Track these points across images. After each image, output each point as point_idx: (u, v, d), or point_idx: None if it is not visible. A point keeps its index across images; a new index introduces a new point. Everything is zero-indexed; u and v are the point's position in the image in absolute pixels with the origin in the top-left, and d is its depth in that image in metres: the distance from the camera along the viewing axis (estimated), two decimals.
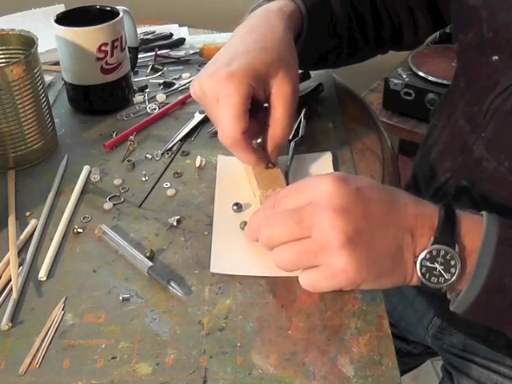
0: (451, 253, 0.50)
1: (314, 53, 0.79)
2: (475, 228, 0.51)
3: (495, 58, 0.63)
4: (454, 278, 0.50)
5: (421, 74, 1.46)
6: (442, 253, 0.50)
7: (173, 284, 0.56)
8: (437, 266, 0.50)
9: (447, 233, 0.50)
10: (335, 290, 0.51)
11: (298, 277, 0.57)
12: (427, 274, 0.51)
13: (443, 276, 0.50)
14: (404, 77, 1.47)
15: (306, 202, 0.51)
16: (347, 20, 0.78)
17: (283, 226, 0.51)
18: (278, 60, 0.64)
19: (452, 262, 0.50)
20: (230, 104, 0.61)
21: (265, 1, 0.74)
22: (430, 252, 0.50)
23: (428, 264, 0.50)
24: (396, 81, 1.47)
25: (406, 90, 1.46)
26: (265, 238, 0.53)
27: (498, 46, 0.62)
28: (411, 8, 0.81)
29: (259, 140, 0.69)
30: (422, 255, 0.50)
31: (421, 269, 0.50)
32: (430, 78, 1.43)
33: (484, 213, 0.52)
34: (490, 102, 0.63)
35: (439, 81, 1.42)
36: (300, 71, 0.71)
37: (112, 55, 0.81)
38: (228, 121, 0.61)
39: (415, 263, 0.51)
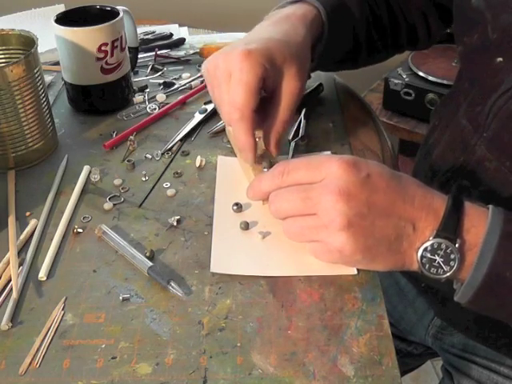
0: (451, 247, 0.51)
1: (334, 55, 0.80)
2: (480, 221, 0.52)
3: (499, 59, 0.63)
4: (452, 270, 0.52)
5: (421, 73, 1.46)
6: (443, 246, 0.51)
7: (173, 284, 0.56)
8: (437, 258, 0.52)
9: (450, 227, 0.51)
10: (335, 263, 0.56)
11: (297, 277, 0.58)
12: (427, 265, 0.52)
13: (442, 268, 0.52)
14: (404, 77, 1.47)
15: (315, 180, 0.54)
16: (366, 23, 0.79)
17: (291, 202, 0.55)
18: (296, 56, 0.66)
19: (452, 256, 0.51)
20: (245, 80, 0.61)
21: (287, 3, 0.75)
22: (432, 245, 0.51)
23: (428, 255, 0.52)
24: (396, 81, 1.47)
25: (405, 90, 1.46)
26: (274, 210, 0.57)
27: (502, 47, 0.63)
28: (422, 10, 0.83)
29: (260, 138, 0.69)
30: (424, 246, 0.52)
31: (421, 259, 0.52)
32: (430, 78, 1.44)
33: (490, 206, 0.53)
34: (493, 102, 0.63)
35: (439, 81, 1.42)
36: None
37: (112, 55, 0.81)
38: (240, 95, 0.62)
39: (416, 252, 0.52)
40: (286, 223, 0.56)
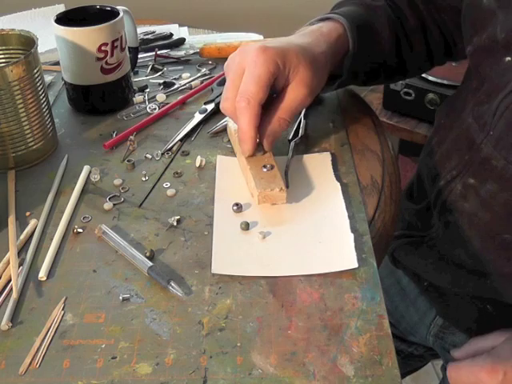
0: None
1: (363, 71, 0.79)
2: None
3: (508, 58, 0.63)
4: None
5: None
6: None
7: (173, 284, 0.56)
8: None
9: None
10: None
11: (297, 277, 0.57)
12: None
13: None
14: None
15: None
16: (395, 42, 0.78)
17: None
18: (310, 63, 0.66)
19: None
20: (257, 73, 0.63)
21: (315, 21, 0.76)
22: None
23: None
24: None
25: (405, 89, 1.46)
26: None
27: (511, 46, 0.63)
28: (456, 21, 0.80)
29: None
30: None
31: None
32: (430, 78, 1.43)
33: None
34: (500, 100, 0.63)
35: (439, 81, 1.42)
36: None
37: (112, 55, 0.81)
38: (251, 85, 0.63)
39: None
40: None
